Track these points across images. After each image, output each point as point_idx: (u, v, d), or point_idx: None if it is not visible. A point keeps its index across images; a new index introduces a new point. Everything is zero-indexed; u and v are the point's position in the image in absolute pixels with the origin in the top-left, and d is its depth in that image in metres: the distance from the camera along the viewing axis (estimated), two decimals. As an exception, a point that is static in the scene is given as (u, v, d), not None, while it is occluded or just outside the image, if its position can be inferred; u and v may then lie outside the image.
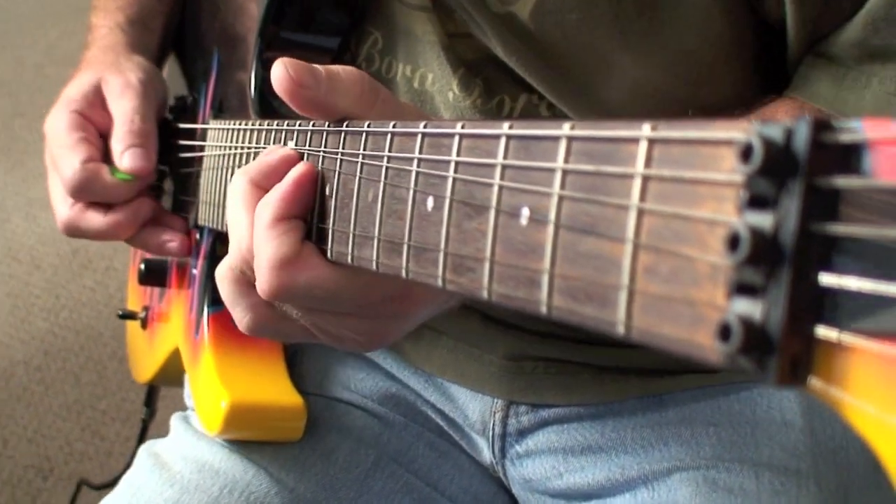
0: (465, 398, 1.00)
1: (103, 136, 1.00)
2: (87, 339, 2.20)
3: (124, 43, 1.08)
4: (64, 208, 0.99)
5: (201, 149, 0.99)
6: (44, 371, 2.15)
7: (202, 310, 0.98)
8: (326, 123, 0.65)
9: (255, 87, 0.91)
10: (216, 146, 0.92)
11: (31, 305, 2.27)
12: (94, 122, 1.00)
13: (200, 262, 1.01)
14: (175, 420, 1.03)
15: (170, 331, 1.12)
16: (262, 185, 0.66)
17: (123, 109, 0.99)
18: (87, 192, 0.97)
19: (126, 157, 0.96)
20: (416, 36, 0.87)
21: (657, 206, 0.37)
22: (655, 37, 0.78)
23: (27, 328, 2.23)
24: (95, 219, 0.98)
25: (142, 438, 1.42)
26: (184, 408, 1.06)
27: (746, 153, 0.34)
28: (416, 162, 0.54)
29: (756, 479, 0.89)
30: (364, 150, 0.59)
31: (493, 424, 0.98)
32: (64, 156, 0.97)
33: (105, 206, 0.99)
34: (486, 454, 1.01)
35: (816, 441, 0.91)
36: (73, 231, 1.00)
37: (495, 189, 0.46)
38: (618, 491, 0.93)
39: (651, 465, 0.92)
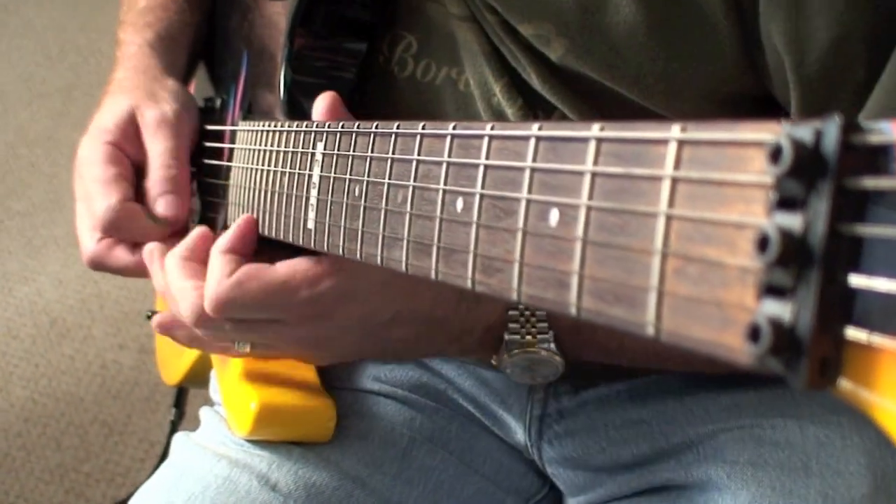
0: (500, 383, 1.01)
1: (136, 168, 0.99)
2: (67, 406, 2.21)
3: (156, 65, 1.08)
4: (91, 242, 0.99)
5: (231, 150, 0.99)
6: (24, 437, 2.16)
7: (232, 311, 0.98)
8: (356, 125, 0.65)
9: (284, 89, 0.91)
10: (246, 148, 0.92)
11: (9, 374, 2.28)
12: (128, 154, 0.99)
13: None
14: (205, 412, 1.04)
15: (199, 332, 1.13)
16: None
17: (158, 150, 0.98)
18: (119, 231, 0.96)
19: (160, 203, 0.96)
20: (459, 42, 0.88)
21: (686, 208, 0.37)
22: (673, 100, 0.78)
23: (6, 397, 2.24)
24: (123, 256, 0.98)
25: (170, 440, 1.43)
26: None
27: (776, 154, 0.34)
28: (445, 163, 0.54)
29: (801, 432, 0.91)
30: (393, 152, 0.60)
31: (532, 407, 1.00)
32: (99, 192, 0.96)
33: (132, 243, 0.98)
34: (521, 436, 1.02)
35: None
36: (98, 266, 0.99)
37: (524, 191, 0.47)
38: (662, 458, 0.95)
39: (695, 429, 0.94)
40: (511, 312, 0.82)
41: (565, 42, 0.78)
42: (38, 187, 2.71)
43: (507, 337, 0.81)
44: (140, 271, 0.98)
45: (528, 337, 0.81)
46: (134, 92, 1.02)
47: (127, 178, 0.98)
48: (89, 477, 2.08)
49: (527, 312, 0.82)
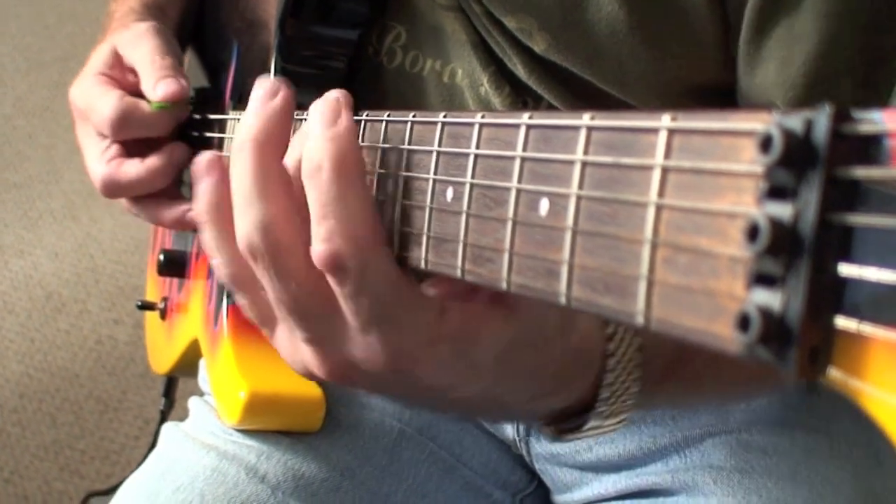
0: None
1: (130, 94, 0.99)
2: (62, 381, 2.22)
3: (137, 20, 1.08)
4: (100, 167, 0.98)
5: (220, 140, 0.99)
6: (20, 413, 2.16)
7: (221, 300, 0.98)
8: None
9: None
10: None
11: (5, 349, 2.28)
12: (118, 80, 0.99)
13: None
14: (194, 402, 1.04)
15: (189, 322, 1.13)
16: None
17: (142, 54, 0.98)
18: (128, 124, 0.95)
19: (159, 87, 0.95)
20: (445, 33, 0.88)
21: (677, 197, 0.37)
22: (655, 96, 0.78)
23: (1, 372, 2.24)
24: (133, 167, 0.97)
25: (159, 430, 1.43)
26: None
27: (766, 144, 0.34)
28: (435, 153, 0.54)
29: (789, 439, 0.91)
30: (384, 141, 0.59)
31: None
32: (99, 99, 0.96)
33: (140, 155, 0.97)
34: (510, 431, 1.02)
35: (842, 404, 0.92)
36: (112, 187, 0.98)
37: (514, 180, 0.46)
38: (650, 460, 0.95)
39: (683, 432, 0.94)
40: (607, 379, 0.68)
41: (547, 36, 0.79)
42: (34, 159, 2.71)
43: (591, 421, 0.68)
44: (153, 180, 0.97)
45: (612, 418, 0.69)
46: (113, 36, 1.03)
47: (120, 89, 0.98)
48: (84, 454, 2.08)
49: (621, 383, 0.68)
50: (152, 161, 0.97)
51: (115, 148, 0.97)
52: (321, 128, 0.55)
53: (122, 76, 1.00)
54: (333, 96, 0.56)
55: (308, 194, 0.54)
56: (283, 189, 0.57)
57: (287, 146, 0.59)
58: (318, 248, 0.53)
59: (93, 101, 0.97)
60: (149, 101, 0.96)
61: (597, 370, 0.65)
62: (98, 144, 0.98)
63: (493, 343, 0.57)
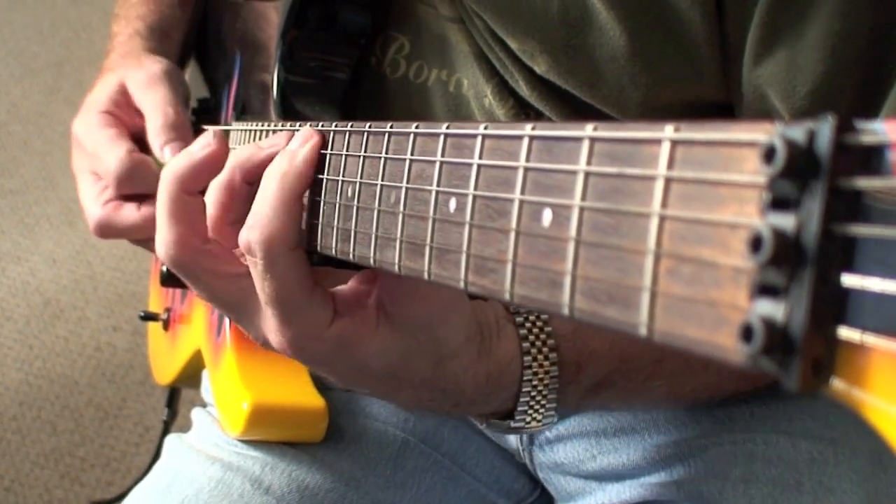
0: None
1: (133, 135, 0.99)
2: (61, 388, 2.22)
3: (143, 48, 1.08)
4: (96, 208, 0.97)
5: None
6: (19, 420, 2.16)
7: (224, 311, 0.98)
8: (349, 125, 0.65)
9: (277, 89, 0.91)
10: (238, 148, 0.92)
11: (3, 357, 2.28)
12: (123, 121, 0.99)
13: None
14: (198, 413, 1.04)
15: (192, 332, 1.13)
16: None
17: (153, 102, 0.98)
18: (134, 180, 0.95)
19: (167, 151, 0.95)
20: (450, 43, 0.88)
21: (679, 208, 0.37)
22: (658, 109, 0.79)
23: (0, 379, 2.24)
24: (130, 213, 0.96)
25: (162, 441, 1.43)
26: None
27: (769, 155, 0.34)
28: (438, 163, 0.54)
29: (793, 448, 0.91)
30: (386, 151, 0.59)
31: None
32: (106, 150, 0.95)
33: (137, 201, 0.96)
34: (513, 440, 1.02)
35: (846, 411, 0.92)
36: (107, 230, 0.97)
37: (517, 191, 0.46)
38: (653, 469, 0.95)
39: (687, 442, 0.94)
40: (522, 399, 0.75)
41: (548, 59, 0.79)
42: (30, 165, 2.71)
43: (512, 424, 0.76)
44: (150, 228, 0.94)
45: (533, 423, 0.76)
46: (120, 69, 1.02)
47: (128, 137, 0.97)
48: (84, 461, 2.08)
49: (537, 402, 0.76)
50: (150, 210, 0.95)
51: (112, 190, 0.97)
52: (292, 144, 0.65)
53: (129, 116, 0.99)
54: (312, 130, 0.66)
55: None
56: (189, 217, 0.68)
57: (203, 185, 0.69)
58: (241, 233, 0.64)
59: (100, 149, 0.96)
60: (155, 159, 0.95)
61: (516, 388, 0.73)
62: (95, 184, 0.97)
63: (379, 353, 0.66)
